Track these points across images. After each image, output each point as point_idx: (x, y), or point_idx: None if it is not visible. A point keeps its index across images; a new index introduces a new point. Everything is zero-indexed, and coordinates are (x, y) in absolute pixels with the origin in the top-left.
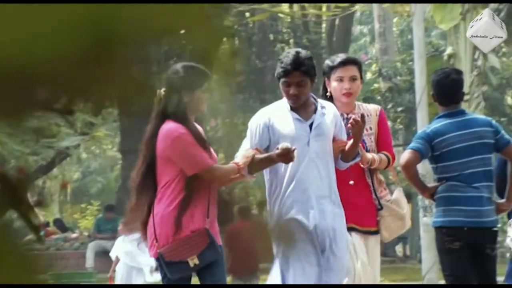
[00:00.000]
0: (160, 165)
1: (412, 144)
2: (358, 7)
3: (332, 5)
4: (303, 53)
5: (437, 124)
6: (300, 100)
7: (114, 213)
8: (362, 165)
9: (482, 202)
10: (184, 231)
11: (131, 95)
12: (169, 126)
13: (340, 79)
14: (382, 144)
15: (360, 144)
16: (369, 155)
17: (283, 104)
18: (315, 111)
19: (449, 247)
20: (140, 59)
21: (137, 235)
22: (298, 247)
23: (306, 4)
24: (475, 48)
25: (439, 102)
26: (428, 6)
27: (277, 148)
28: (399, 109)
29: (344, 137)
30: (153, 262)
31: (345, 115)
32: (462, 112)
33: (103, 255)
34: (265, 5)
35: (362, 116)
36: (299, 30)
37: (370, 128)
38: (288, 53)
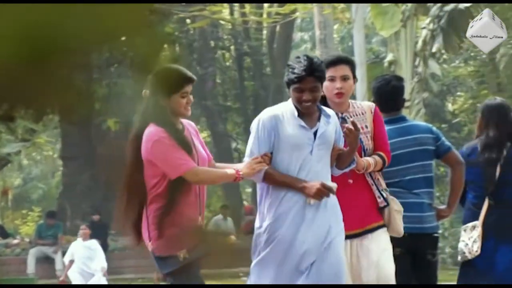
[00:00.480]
0: (146, 167)
1: None
2: (298, 13)
3: (273, 11)
4: (316, 59)
5: None
6: (313, 106)
7: (55, 219)
8: (357, 171)
9: (423, 208)
10: (176, 227)
11: (72, 102)
12: (150, 129)
13: (332, 79)
14: (377, 143)
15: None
16: (364, 161)
17: (290, 108)
18: (319, 118)
19: None
20: (80, 66)
21: (91, 241)
22: (271, 266)
23: (247, 11)
24: (415, 55)
25: (380, 108)
26: (369, 13)
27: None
28: None
29: (341, 143)
30: (105, 266)
31: (340, 114)
32: (403, 119)
33: (45, 261)
34: (206, 12)
35: (354, 124)
36: (240, 36)
37: (366, 127)
38: (299, 59)
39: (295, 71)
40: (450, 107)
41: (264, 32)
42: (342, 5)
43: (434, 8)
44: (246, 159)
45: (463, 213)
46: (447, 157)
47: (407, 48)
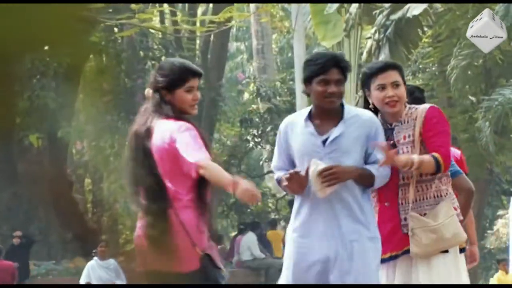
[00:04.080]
0: (166, 168)
1: None
2: (234, 22)
3: (207, 20)
4: (338, 52)
5: None
6: (339, 101)
7: None
8: (401, 168)
9: None
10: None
11: None
12: (171, 122)
13: (382, 87)
14: (428, 144)
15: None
16: (404, 157)
17: (305, 113)
18: (338, 122)
19: None
20: (2, 76)
21: (111, 261)
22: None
23: (179, 19)
24: (359, 66)
25: None
26: (310, 22)
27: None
28: None
29: (370, 152)
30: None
31: (389, 125)
32: None
33: None
34: (135, 20)
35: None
36: (171, 46)
37: (409, 136)
38: (318, 53)
39: (319, 61)
40: None
41: (197, 41)
42: (281, 13)
43: (380, 17)
44: (273, 171)
45: None
46: (455, 181)
47: (350, 60)
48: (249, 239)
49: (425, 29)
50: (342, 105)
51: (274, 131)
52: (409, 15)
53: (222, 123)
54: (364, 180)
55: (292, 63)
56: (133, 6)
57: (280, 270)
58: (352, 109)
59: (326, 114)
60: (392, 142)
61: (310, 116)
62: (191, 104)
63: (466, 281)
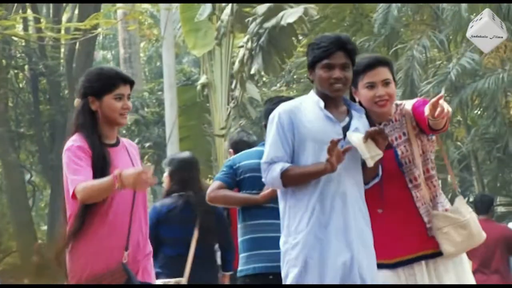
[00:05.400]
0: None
1: (218, 175)
2: (101, 30)
3: (72, 27)
4: (343, 34)
5: (251, 150)
6: (345, 88)
7: None
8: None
9: None
10: (98, 266)
11: None
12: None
13: (371, 86)
14: (421, 115)
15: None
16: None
17: (313, 99)
18: (347, 112)
19: None
20: None
21: None
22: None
23: (43, 27)
24: (232, 76)
25: None
26: (180, 30)
27: None
28: (147, 144)
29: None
30: None
31: (376, 125)
32: None
33: None
34: None
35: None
36: (35, 55)
37: (404, 134)
38: (323, 36)
39: (322, 44)
40: None
41: (62, 50)
42: (149, 21)
43: (253, 25)
44: (264, 166)
45: None
46: None
47: (222, 70)
48: None
49: (300, 37)
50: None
51: (142, 144)
52: (283, 23)
53: None
54: (375, 167)
55: (160, 72)
56: None
57: None
58: (350, 101)
59: (334, 102)
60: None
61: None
62: (120, 113)
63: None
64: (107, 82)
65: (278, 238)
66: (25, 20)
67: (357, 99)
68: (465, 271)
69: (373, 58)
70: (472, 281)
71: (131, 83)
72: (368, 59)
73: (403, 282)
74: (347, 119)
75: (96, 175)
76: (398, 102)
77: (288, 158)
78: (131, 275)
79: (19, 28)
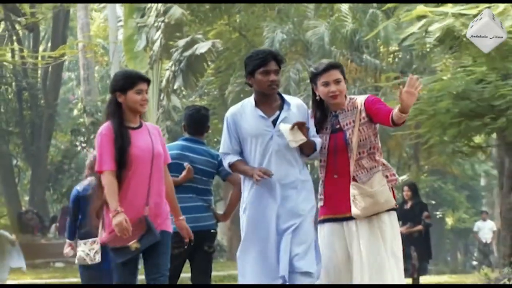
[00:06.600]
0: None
1: None
2: (67, 57)
3: (46, 55)
4: (272, 49)
5: (174, 143)
6: (278, 87)
7: None
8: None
9: (202, 210)
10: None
11: None
12: (103, 124)
13: (326, 84)
14: (380, 112)
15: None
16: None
17: (250, 101)
18: (280, 107)
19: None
20: None
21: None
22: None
23: (25, 54)
24: (160, 91)
25: (188, 131)
26: (123, 57)
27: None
28: None
29: (308, 127)
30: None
31: (333, 112)
32: (203, 143)
33: None
34: None
35: (298, 123)
36: (20, 75)
37: (352, 122)
38: (258, 50)
39: (260, 56)
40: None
41: (39, 71)
42: (102, 51)
43: (176, 54)
44: (221, 155)
45: None
46: (229, 179)
47: (154, 86)
48: None
49: (209, 63)
50: (279, 94)
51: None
52: (197, 52)
53: (57, 132)
54: (309, 145)
55: None
56: None
57: None
58: (288, 97)
59: (268, 100)
60: (338, 126)
61: (256, 104)
62: (141, 104)
63: (399, 236)
64: (129, 80)
65: (191, 207)
66: (12, 50)
67: (317, 94)
68: (385, 228)
69: (328, 63)
70: (398, 235)
71: (148, 81)
72: (325, 64)
73: (345, 232)
74: (277, 112)
75: (117, 150)
76: (352, 96)
77: (236, 150)
78: (150, 225)
79: (8, 55)
